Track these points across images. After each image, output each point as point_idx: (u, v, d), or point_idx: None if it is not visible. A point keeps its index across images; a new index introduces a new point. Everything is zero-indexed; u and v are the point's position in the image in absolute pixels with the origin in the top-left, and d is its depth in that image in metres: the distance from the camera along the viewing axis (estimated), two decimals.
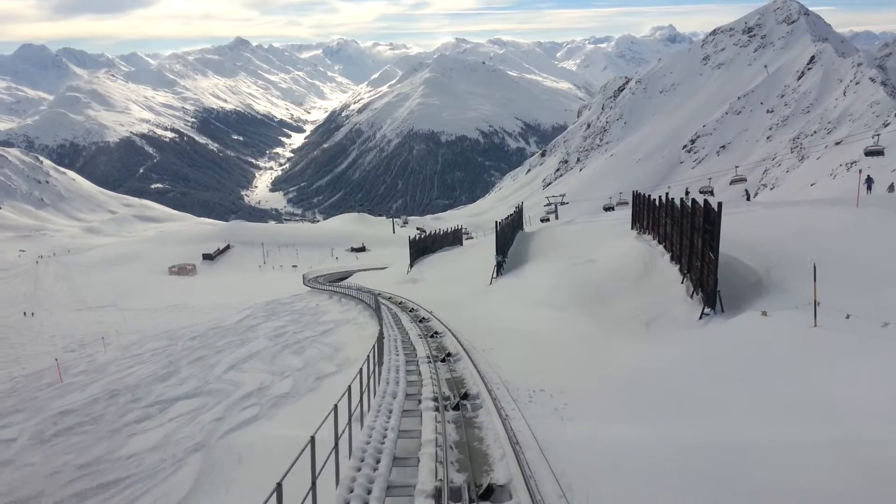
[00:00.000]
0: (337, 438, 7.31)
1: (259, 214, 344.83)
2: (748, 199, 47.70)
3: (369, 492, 6.79)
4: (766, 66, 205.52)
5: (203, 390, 19.70)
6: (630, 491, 6.86)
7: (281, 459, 9.95)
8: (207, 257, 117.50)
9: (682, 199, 21.41)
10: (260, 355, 23.89)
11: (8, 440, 18.24)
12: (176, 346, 34.25)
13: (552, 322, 19.34)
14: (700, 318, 16.02)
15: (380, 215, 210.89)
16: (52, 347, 47.43)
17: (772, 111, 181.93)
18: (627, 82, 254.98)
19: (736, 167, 48.33)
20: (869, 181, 35.62)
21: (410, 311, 25.95)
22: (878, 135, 41.37)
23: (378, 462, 7.62)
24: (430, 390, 11.49)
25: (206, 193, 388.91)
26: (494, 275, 32.13)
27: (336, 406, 7.39)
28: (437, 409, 10.12)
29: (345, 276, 72.50)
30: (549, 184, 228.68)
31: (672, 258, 20.75)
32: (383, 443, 8.36)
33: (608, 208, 52.14)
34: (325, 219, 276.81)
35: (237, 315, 43.05)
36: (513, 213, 45.00)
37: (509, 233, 37.98)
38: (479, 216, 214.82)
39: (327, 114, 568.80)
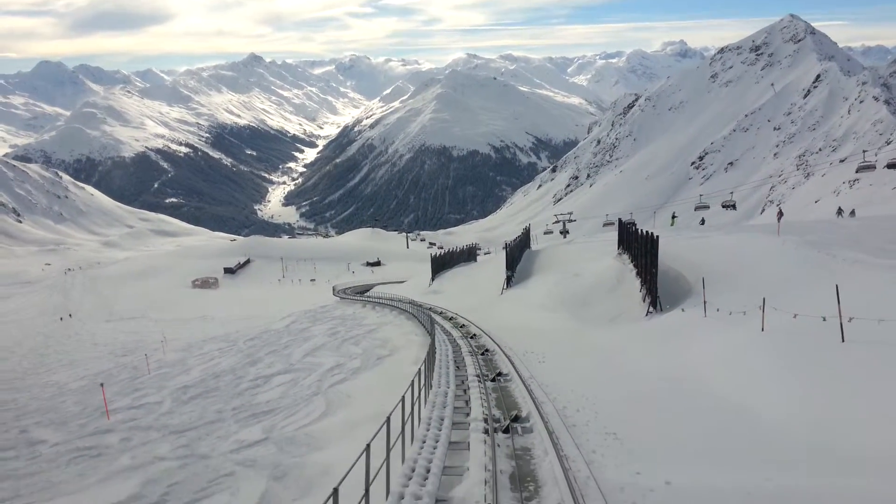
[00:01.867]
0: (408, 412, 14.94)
1: (272, 229, 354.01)
2: (702, 223, 54.93)
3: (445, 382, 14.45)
4: (772, 85, 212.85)
5: (292, 369, 27.43)
6: (559, 378, 14.49)
7: (371, 400, 17.55)
8: (229, 271, 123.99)
9: (651, 233, 28.96)
10: (325, 347, 31.66)
11: (156, 402, 25.97)
12: (237, 345, 41.82)
13: (546, 320, 27.09)
14: (646, 314, 23.74)
15: (393, 230, 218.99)
16: (99, 353, 51.76)
17: (778, 129, 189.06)
18: (637, 99, 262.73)
19: (731, 192, 55.41)
20: (780, 214, 41.36)
21: (440, 313, 33.61)
22: (865, 151, 48.15)
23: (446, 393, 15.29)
24: (466, 349, 19.31)
25: (219, 208, 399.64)
26: (505, 286, 39.87)
27: (403, 397, 15.06)
28: (472, 356, 17.92)
29: (366, 288, 79.67)
30: (560, 199, 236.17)
31: (637, 274, 28.43)
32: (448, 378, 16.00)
33: (607, 224, 59.87)
34: (337, 233, 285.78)
35: (282, 322, 50.62)
36: (521, 234, 52.80)
37: (517, 251, 45.71)
38: (491, 231, 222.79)
39: (339, 129, 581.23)
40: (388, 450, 7.03)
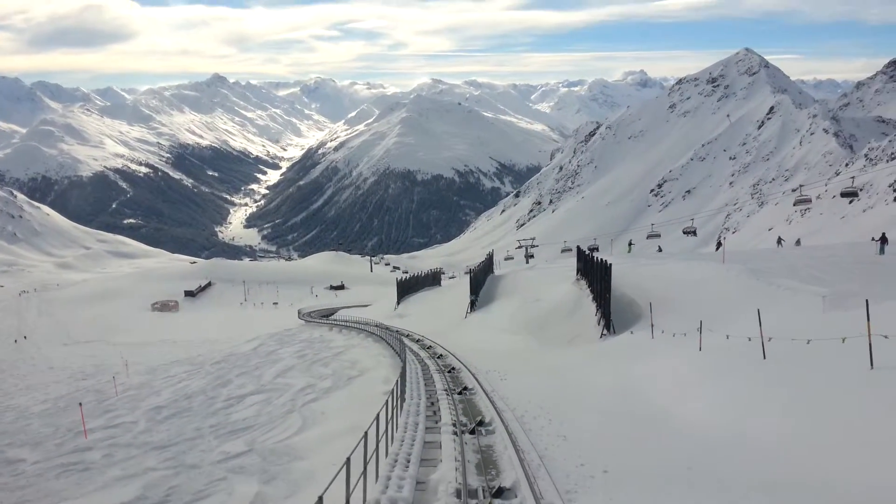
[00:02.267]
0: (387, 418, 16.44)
1: (233, 251, 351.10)
2: (659, 250, 57.81)
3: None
4: (728, 116, 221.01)
5: (264, 389, 28.55)
6: (519, 392, 16.16)
7: (345, 416, 18.99)
8: (189, 294, 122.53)
9: (605, 261, 30.95)
10: (295, 368, 32.83)
11: (132, 422, 26.81)
12: (203, 368, 42.55)
13: (508, 342, 28.85)
14: (601, 337, 25.65)
15: (356, 254, 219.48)
16: (57, 377, 50.63)
17: (734, 158, 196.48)
18: (598, 127, 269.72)
19: (692, 219, 58.22)
20: (719, 245, 44.76)
21: (406, 335, 35.12)
22: (801, 186, 51.48)
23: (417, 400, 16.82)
24: (434, 368, 20.87)
25: (179, 229, 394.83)
26: (469, 310, 41.55)
27: (387, 401, 16.59)
28: (440, 373, 19.48)
29: (330, 312, 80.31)
30: (523, 224, 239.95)
31: (593, 299, 30.41)
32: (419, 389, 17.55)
33: (565, 251, 62.32)
34: (300, 256, 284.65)
35: (249, 345, 51.36)
36: (484, 259, 54.70)
37: (481, 276, 47.53)
38: (455, 255, 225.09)
39: (304, 151, 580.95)
40: (366, 462, 8.40)
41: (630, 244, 65.18)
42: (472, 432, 11.26)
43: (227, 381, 33.61)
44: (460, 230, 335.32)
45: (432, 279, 69.14)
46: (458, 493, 7.72)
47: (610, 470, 9.22)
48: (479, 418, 12.41)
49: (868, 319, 10.94)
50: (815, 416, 10.22)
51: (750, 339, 15.20)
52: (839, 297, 19.83)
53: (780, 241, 48.53)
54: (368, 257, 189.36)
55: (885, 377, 10.53)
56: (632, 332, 23.61)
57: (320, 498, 6.23)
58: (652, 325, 21.96)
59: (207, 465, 16.15)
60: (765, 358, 14.40)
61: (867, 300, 11.27)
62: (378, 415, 10.10)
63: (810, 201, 49.03)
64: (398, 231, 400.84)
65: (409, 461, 9.12)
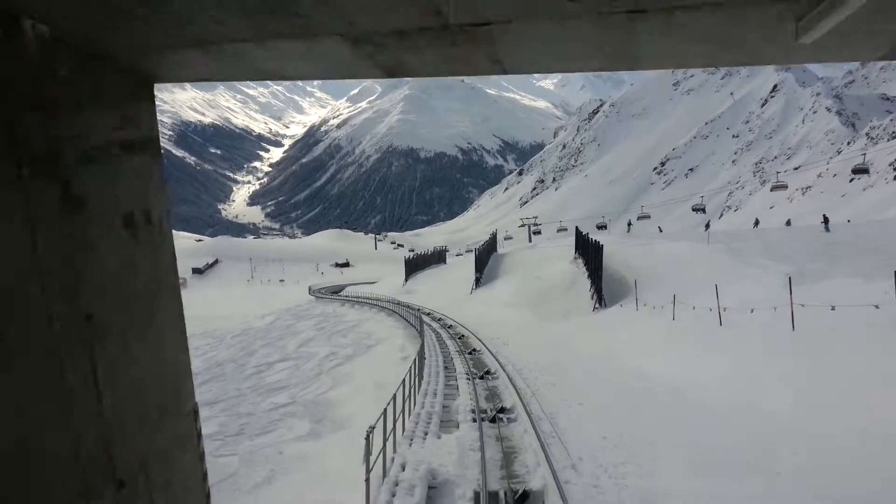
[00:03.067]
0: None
1: (237, 228, 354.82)
2: (660, 230, 60.98)
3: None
4: (731, 94, 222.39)
5: (290, 357, 31.95)
6: (518, 354, 19.44)
7: (370, 377, 22.35)
8: (197, 271, 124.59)
9: (597, 242, 34.09)
10: (316, 339, 36.23)
11: None
12: (224, 341, 45.99)
13: (510, 315, 32.13)
14: (593, 310, 28.90)
15: (360, 231, 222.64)
16: None
17: (737, 136, 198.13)
18: (601, 105, 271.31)
19: (701, 196, 60.49)
20: (707, 226, 47.64)
21: (418, 310, 38.47)
22: (778, 173, 54.24)
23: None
24: (446, 335, 24.21)
25: (183, 207, 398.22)
26: (473, 287, 44.86)
27: (403, 380, 19.91)
28: (452, 339, 22.82)
29: (339, 289, 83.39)
30: (526, 202, 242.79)
31: (588, 276, 33.65)
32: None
33: (560, 230, 65.55)
34: (303, 234, 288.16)
35: (264, 320, 54.79)
36: (488, 238, 57.97)
37: (485, 255, 50.78)
38: (458, 233, 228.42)
39: (306, 129, 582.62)
40: (404, 398, 11.62)
41: (629, 224, 68.28)
42: (481, 377, 14.58)
43: (253, 350, 36.97)
44: (463, 207, 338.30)
45: (438, 257, 72.51)
46: (473, 411, 11.00)
47: (584, 403, 12.49)
48: (485, 369, 15.73)
49: (791, 293, 14.20)
50: (742, 363, 13.51)
51: (711, 310, 18.46)
52: (800, 274, 23.04)
53: (756, 222, 51.47)
54: (373, 235, 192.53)
55: (800, 335, 13.82)
56: (620, 306, 26.88)
57: (371, 427, 8.34)
58: (636, 299, 25.23)
59: (261, 413, 19.47)
60: (721, 325, 17.70)
61: (790, 277, 14.52)
62: (410, 368, 13.36)
63: (786, 187, 52.37)
64: (401, 208, 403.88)
65: (436, 394, 12.45)
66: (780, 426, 9.71)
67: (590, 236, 35.45)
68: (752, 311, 16.71)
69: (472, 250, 50.27)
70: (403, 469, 8.07)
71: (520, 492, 7.28)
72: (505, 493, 7.31)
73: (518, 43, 1.80)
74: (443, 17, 1.60)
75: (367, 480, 7.35)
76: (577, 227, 45.35)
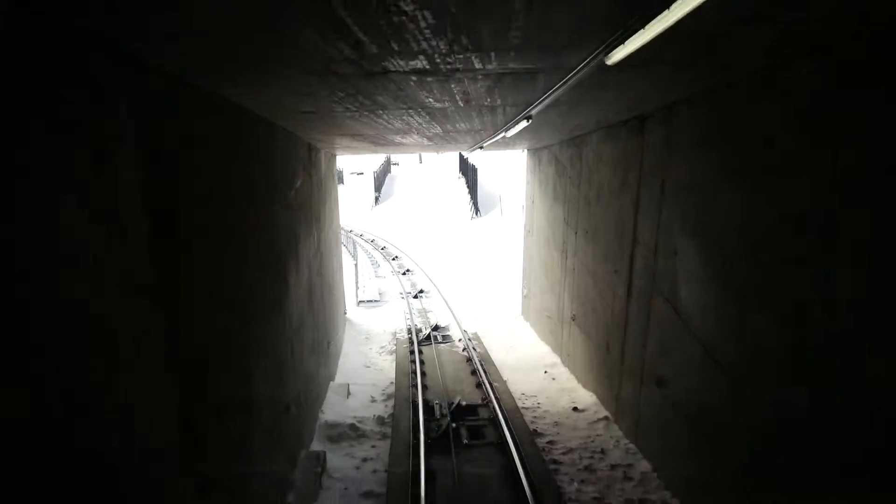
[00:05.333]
0: None
1: None
2: None
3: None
4: None
5: None
6: (414, 251, 28.36)
7: None
8: None
9: (473, 165, 43.04)
10: None
11: None
12: None
13: (406, 227, 40.93)
14: (471, 219, 38.16)
15: None
16: None
17: None
18: None
19: None
20: None
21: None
22: None
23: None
24: (364, 241, 32.86)
25: None
26: (373, 204, 53.22)
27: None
28: (367, 242, 31.49)
29: None
30: None
31: (468, 192, 42.64)
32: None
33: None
34: None
35: None
36: (383, 161, 65.87)
37: (382, 176, 58.86)
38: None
39: None
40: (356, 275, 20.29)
41: None
42: (394, 259, 23.41)
43: None
44: None
45: (337, 178, 79.64)
46: (392, 272, 19.78)
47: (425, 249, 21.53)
48: (394, 256, 24.53)
49: None
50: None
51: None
52: None
53: None
54: None
55: None
56: (489, 214, 36.23)
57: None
58: (501, 210, 34.58)
59: None
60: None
61: None
62: (354, 262, 21.87)
63: None
64: None
65: (374, 264, 21.21)
66: None
67: (468, 159, 44.35)
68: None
69: (362, 173, 57.93)
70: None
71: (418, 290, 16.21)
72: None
73: None
74: None
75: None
76: (460, 153, 54.15)
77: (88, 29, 2.94)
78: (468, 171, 42.44)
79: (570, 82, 4.58)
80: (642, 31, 3.17)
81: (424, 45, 3.63)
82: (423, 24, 3.19)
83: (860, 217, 3.94)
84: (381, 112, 6.53)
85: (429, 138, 9.75)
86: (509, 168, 45.63)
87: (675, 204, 6.93)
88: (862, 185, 3.93)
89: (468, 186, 42.57)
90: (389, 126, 7.80)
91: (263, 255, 6.72)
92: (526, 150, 16.25)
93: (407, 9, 2.95)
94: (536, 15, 3.14)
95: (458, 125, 8.06)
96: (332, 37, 3.37)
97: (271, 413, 6.74)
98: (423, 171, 64.43)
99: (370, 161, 66.19)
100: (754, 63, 4.74)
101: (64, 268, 2.83)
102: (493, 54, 3.97)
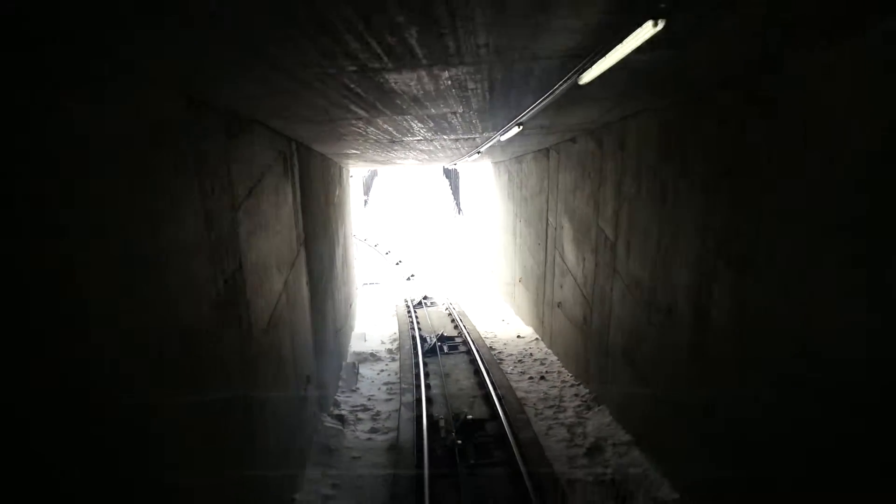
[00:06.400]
0: None
1: None
2: None
3: None
4: None
5: None
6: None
7: None
8: None
9: (455, 169, 48.49)
10: None
11: None
12: None
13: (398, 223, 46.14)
14: (455, 216, 43.37)
15: None
16: None
17: None
18: None
19: None
20: None
21: None
22: None
23: None
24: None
25: None
26: (363, 205, 58.31)
27: None
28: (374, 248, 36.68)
29: None
30: None
31: (451, 192, 47.89)
32: None
33: None
34: None
35: None
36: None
37: (370, 179, 63.93)
38: None
39: None
40: None
41: None
42: (386, 253, 28.58)
43: None
44: None
45: None
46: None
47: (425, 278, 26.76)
48: (387, 252, 29.70)
49: None
50: None
51: None
52: None
53: None
54: None
55: None
56: (470, 212, 41.48)
57: None
58: (474, 210, 39.86)
59: None
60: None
61: None
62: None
63: None
64: None
65: (369, 267, 26.40)
66: None
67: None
68: None
69: (352, 176, 63.48)
70: None
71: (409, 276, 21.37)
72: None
73: None
74: None
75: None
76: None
77: (277, 127, 8.16)
78: (451, 175, 47.67)
79: (508, 134, 9.88)
80: (518, 128, 8.44)
81: (421, 133, 8.87)
82: (418, 125, 8.39)
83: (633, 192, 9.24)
84: (393, 154, 11.79)
85: (419, 160, 15.00)
86: (481, 176, 50.98)
87: (562, 200, 12.23)
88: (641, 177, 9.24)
89: (451, 188, 47.77)
90: (395, 157, 13.04)
91: (330, 239, 11.98)
92: (491, 163, 21.48)
93: (411, 140, 8.19)
94: (481, 125, 8.40)
95: (439, 154, 13.31)
96: (373, 135, 8.63)
97: (334, 334, 12.02)
98: (409, 173, 69.58)
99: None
100: (592, 124, 10.03)
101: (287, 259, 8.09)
102: (455, 137, 9.24)
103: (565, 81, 4.88)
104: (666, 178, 7.12)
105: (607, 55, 3.87)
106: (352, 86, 4.88)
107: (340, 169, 15.49)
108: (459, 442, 8.73)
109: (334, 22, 3.21)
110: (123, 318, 3.36)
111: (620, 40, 3.60)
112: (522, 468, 7.97)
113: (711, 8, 3.39)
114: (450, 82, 5.01)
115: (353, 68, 4.24)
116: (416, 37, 3.56)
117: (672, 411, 7.22)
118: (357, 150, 11.39)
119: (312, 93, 5.01)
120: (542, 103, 5.93)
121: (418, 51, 3.88)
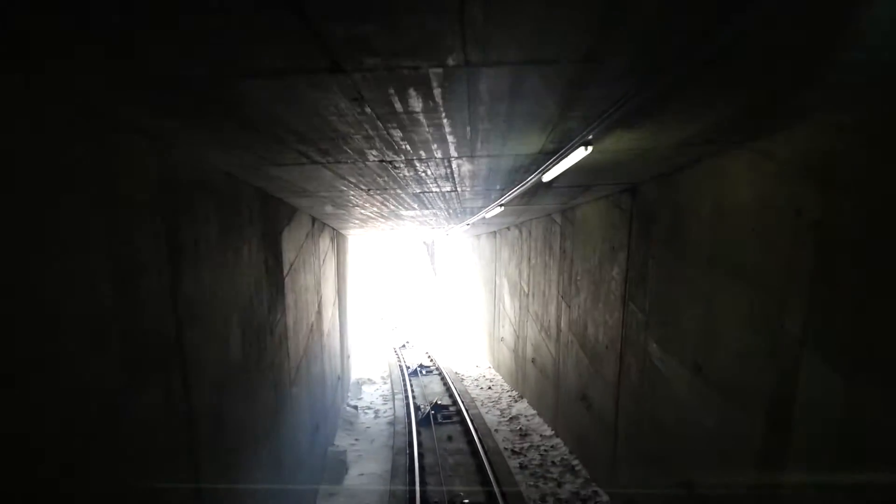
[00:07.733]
0: None
1: None
2: None
3: None
4: None
5: None
6: None
7: None
8: None
9: None
10: None
11: None
12: None
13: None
14: (431, 279, 49.34)
15: None
16: None
17: None
18: None
19: None
20: None
21: None
22: None
23: None
24: None
25: None
26: None
27: None
28: None
29: None
30: None
31: None
32: None
33: None
34: None
35: None
36: None
37: None
38: None
39: None
40: None
41: None
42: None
43: None
44: None
45: None
46: None
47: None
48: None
49: None
50: None
51: None
52: None
53: None
54: None
55: None
56: (445, 276, 47.51)
57: None
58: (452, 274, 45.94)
59: None
60: None
61: None
62: None
63: None
64: None
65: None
66: None
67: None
68: None
69: None
70: None
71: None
72: None
73: None
74: None
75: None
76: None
77: (275, 197, 14.06)
78: (429, 243, 53.75)
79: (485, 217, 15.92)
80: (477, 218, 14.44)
81: (414, 222, 14.81)
82: (410, 214, 14.30)
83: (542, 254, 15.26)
84: (389, 228, 17.77)
85: (408, 230, 21.02)
86: (455, 245, 57.29)
87: (503, 266, 18.21)
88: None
89: (429, 255, 53.74)
90: (389, 230, 19.00)
91: (327, 297, 17.82)
92: (471, 235, 27.54)
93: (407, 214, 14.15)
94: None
95: (426, 226, 19.29)
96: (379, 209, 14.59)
97: (342, 367, 17.75)
98: (389, 241, 75.72)
99: None
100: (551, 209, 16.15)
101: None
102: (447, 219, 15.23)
103: (499, 206, 10.86)
104: (541, 254, 13.13)
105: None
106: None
107: (340, 236, 21.37)
108: (433, 412, 14.43)
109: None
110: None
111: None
112: (471, 425, 13.68)
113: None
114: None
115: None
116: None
117: (552, 388, 13.01)
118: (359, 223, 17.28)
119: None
120: (483, 213, 11.92)
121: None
